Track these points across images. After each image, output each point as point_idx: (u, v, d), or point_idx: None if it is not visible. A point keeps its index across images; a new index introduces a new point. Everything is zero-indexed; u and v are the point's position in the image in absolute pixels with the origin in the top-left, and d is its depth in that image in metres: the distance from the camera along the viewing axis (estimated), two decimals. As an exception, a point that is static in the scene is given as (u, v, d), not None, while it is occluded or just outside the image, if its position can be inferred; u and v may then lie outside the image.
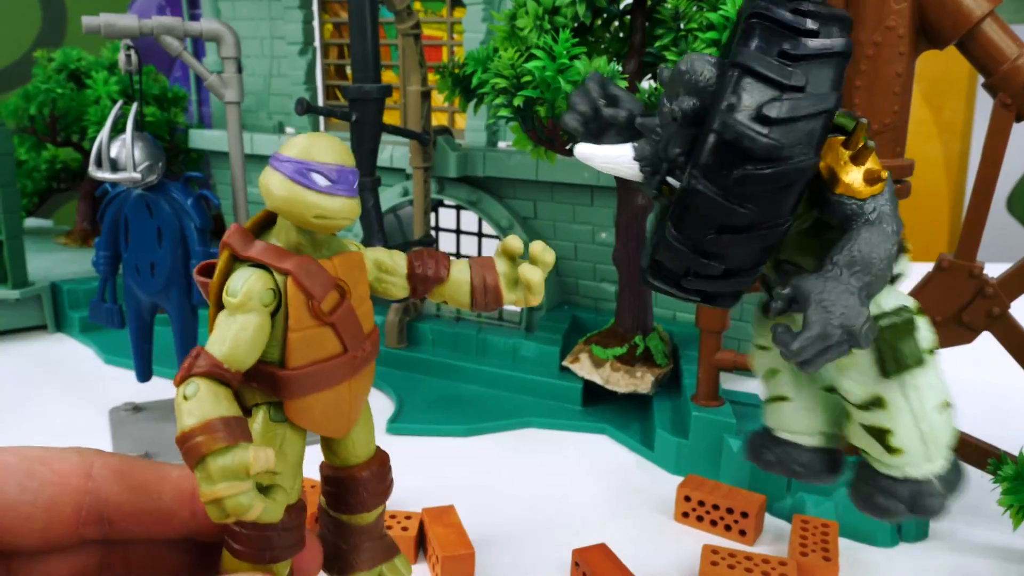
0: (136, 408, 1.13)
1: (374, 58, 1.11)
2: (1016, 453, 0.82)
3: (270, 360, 0.39)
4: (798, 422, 0.62)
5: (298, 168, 0.37)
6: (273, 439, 0.40)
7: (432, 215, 1.42)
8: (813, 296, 0.48)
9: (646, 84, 1.05)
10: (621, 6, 1.05)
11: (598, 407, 1.19)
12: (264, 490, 0.37)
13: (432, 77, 1.21)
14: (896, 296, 0.56)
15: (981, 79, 0.82)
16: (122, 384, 1.24)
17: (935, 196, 3.15)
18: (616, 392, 1.13)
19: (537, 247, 0.46)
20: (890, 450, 0.54)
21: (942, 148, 3.15)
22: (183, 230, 1.00)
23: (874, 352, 0.54)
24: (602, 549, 0.79)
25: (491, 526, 0.89)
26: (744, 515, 0.87)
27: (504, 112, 1.01)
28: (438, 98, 1.25)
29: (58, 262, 1.65)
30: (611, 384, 1.12)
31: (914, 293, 0.87)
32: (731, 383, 1.19)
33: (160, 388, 1.18)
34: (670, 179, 0.54)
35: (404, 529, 0.82)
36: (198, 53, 1.82)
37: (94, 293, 1.13)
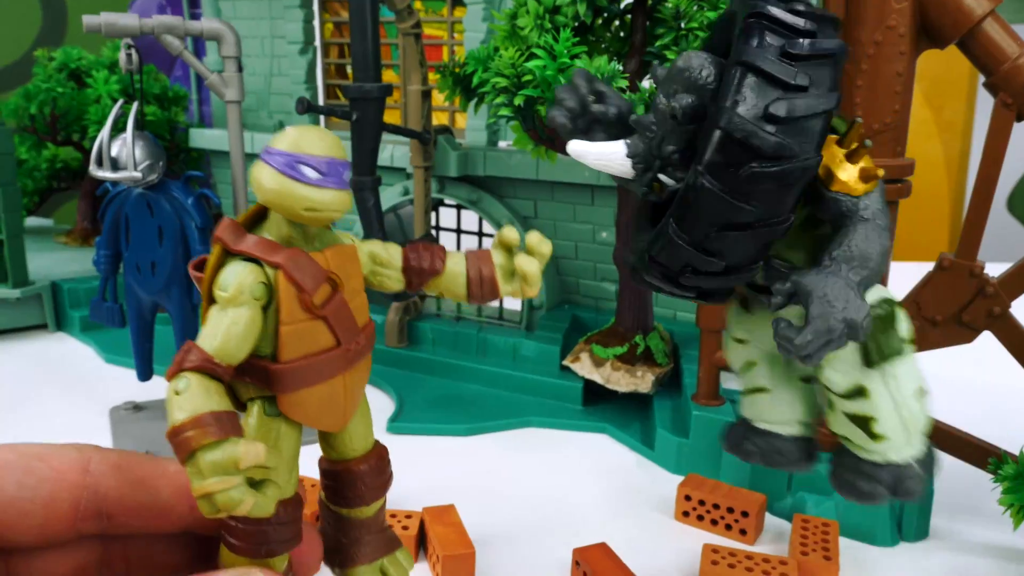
0: (137, 407, 1.13)
1: (375, 57, 1.11)
2: (1017, 452, 0.82)
3: (263, 354, 0.39)
4: (777, 412, 0.64)
5: (288, 161, 0.37)
6: (268, 433, 0.40)
7: (433, 214, 1.42)
8: (816, 292, 0.49)
9: (647, 83, 1.05)
10: (622, 5, 1.05)
11: (599, 406, 1.19)
12: (256, 485, 0.37)
13: (433, 76, 1.21)
14: (877, 289, 0.57)
15: (982, 78, 0.82)
16: (123, 383, 1.24)
17: (936, 195, 3.15)
18: (617, 391, 1.13)
19: (533, 238, 0.45)
20: (873, 437, 0.56)
21: (943, 147, 3.15)
22: (184, 229, 1.00)
23: (859, 343, 0.55)
24: (602, 548, 0.79)
25: (492, 525, 0.89)
26: (744, 514, 0.87)
27: (505, 111, 1.01)
28: (439, 97, 1.25)
29: (58, 261, 1.65)
30: (611, 383, 1.12)
31: (915, 292, 0.88)
32: (732, 382, 1.19)
33: (161, 387, 1.18)
34: (662, 176, 0.55)
35: (404, 528, 0.82)
36: (199, 52, 1.82)
37: (95, 292, 1.13)
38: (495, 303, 1.42)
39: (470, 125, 1.40)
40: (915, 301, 0.87)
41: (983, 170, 0.83)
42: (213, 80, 1.07)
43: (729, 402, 1.02)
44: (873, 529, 0.87)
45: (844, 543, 0.86)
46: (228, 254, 0.39)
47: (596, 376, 1.13)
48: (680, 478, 0.98)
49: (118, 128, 0.99)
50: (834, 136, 0.53)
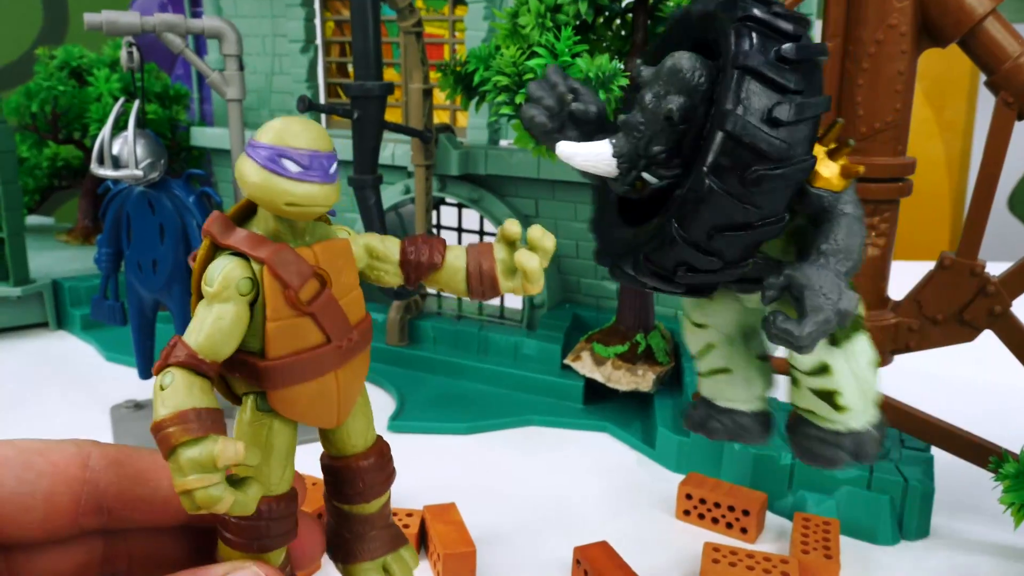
0: (137, 405, 1.13)
1: (376, 56, 1.11)
2: (1017, 451, 0.82)
3: (251, 350, 0.39)
4: (739, 391, 0.67)
5: (270, 155, 0.37)
6: (260, 429, 0.40)
7: (434, 213, 1.42)
8: (812, 285, 0.52)
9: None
10: (623, 4, 1.05)
11: (599, 405, 1.19)
12: (238, 483, 0.37)
13: (434, 75, 1.21)
14: None
15: (983, 77, 0.82)
16: (123, 381, 1.24)
17: (937, 195, 3.15)
18: (617, 390, 1.13)
19: (536, 232, 0.43)
20: (838, 408, 0.59)
21: (944, 147, 3.14)
22: (185, 227, 1.00)
23: None
24: (603, 547, 0.79)
25: (492, 524, 0.89)
26: (745, 513, 0.87)
27: (506, 110, 1.01)
28: (440, 96, 1.25)
29: (59, 259, 1.65)
30: (612, 382, 1.12)
31: (916, 291, 0.88)
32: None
33: (162, 385, 1.18)
34: (645, 175, 0.55)
35: (405, 527, 0.82)
36: (200, 50, 1.82)
37: (95, 290, 1.13)
38: (496, 301, 1.42)
39: (471, 124, 1.40)
40: (916, 300, 0.87)
41: (984, 169, 0.83)
42: (214, 78, 1.07)
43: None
44: (874, 528, 0.87)
45: (845, 542, 0.86)
46: (217, 248, 0.39)
47: (597, 375, 1.13)
48: (681, 477, 0.98)
49: (119, 126, 1.00)
50: None
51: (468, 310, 1.41)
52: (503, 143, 1.41)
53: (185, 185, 1.01)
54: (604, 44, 1.07)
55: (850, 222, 0.55)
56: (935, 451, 0.94)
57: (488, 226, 1.45)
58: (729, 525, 0.88)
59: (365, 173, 1.16)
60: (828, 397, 0.59)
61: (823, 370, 0.58)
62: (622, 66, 0.96)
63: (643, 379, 1.11)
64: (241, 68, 1.08)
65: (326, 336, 0.40)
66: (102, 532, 0.42)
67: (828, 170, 0.55)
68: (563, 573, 0.81)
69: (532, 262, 0.43)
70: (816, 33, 1.07)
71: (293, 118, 0.38)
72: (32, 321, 1.50)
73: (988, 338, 0.86)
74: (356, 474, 0.44)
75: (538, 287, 0.44)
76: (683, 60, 0.53)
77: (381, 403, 1.20)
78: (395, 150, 1.41)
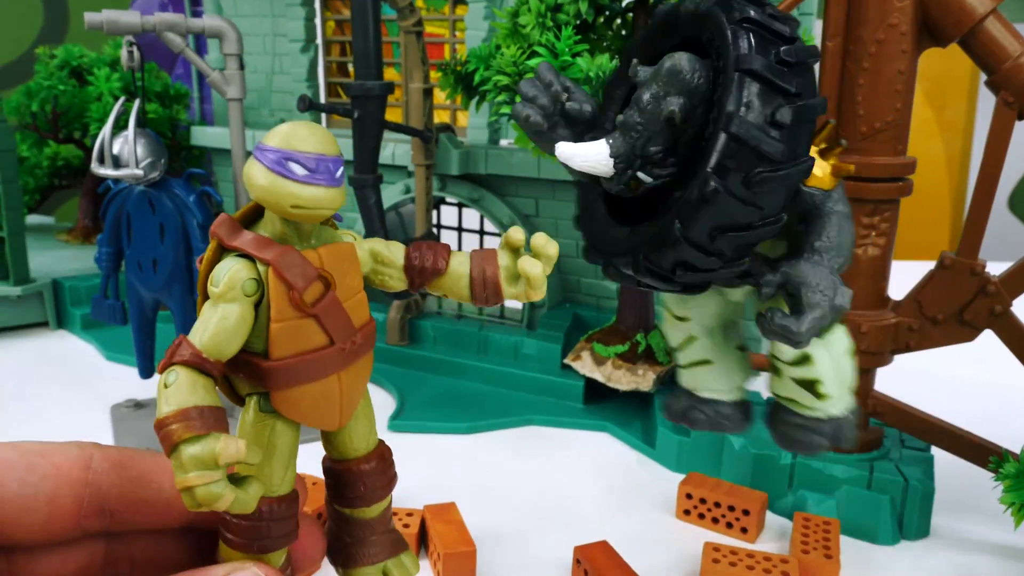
0: (138, 405, 1.13)
1: (376, 55, 1.11)
2: (1018, 451, 0.82)
3: (255, 350, 0.39)
4: (720, 381, 0.69)
5: (277, 158, 0.37)
6: (263, 429, 0.40)
7: (434, 212, 1.42)
8: (809, 282, 0.53)
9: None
10: (623, 3, 1.05)
11: (600, 405, 1.19)
12: (239, 481, 0.37)
13: (434, 74, 1.21)
14: None
15: (983, 77, 0.82)
16: (124, 381, 1.24)
17: (937, 195, 3.15)
18: (618, 390, 1.13)
19: (540, 239, 0.44)
20: (819, 396, 0.61)
21: (944, 147, 3.15)
22: (185, 226, 1.00)
23: None
24: (603, 546, 0.79)
25: (493, 523, 0.89)
26: (745, 512, 0.87)
27: (506, 109, 1.01)
28: (440, 95, 1.25)
29: (60, 259, 1.65)
30: (613, 382, 1.12)
31: (916, 291, 0.88)
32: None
33: (162, 385, 1.18)
34: (640, 174, 0.56)
35: (405, 526, 0.82)
36: (200, 50, 1.82)
37: (96, 290, 1.13)
38: (496, 301, 1.41)
39: (471, 123, 1.40)
40: (916, 300, 0.87)
41: (984, 169, 0.83)
42: (215, 78, 1.07)
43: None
44: (874, 527, 0.87)
45: (845, 541, 0.86)
46: (223, 250, 0.39)
47: (597, 374, 1.13)
48: (681, 476, 0.98)
49: (120, 126, 1.00)
50: None
51: (468, 310, 1.41)
52: (503, 143, 1.41)
53: (185, 184, 1.01)
54: (604, 44, 1.07)
55: (840, 220, 0.57)
56: (935, 451, 0.94)
57: (488, 226, 1.45)
58: (729, 525, 0.88)
59: (365, 172, 1.16)
60: (810, 386, 0.60)
61: (805, 360, 0.59)
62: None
63: (643, 379, 1.11)
64: (241, 67, 1.08)
65: (329, 338, 0.40)
66: (104, 534, 0.42)
67: (820, 169, 0.57)
68: (563, 573, 0.81)
69: (535, 269, 0.43)
70: (817, 33, 1.07)
71: (300, 123, 0.39)
72: (32, 320, 1.50)
73: (988, 338, 0.86)
74: (357, 477, 0.44)
75: (541, 293, 0.44)
76: (683, 61, 0.53)
77: (381, 402, 1.20)
78: (395, 150, 1.41)
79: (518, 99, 0.98)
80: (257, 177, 0.37)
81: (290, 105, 1.61)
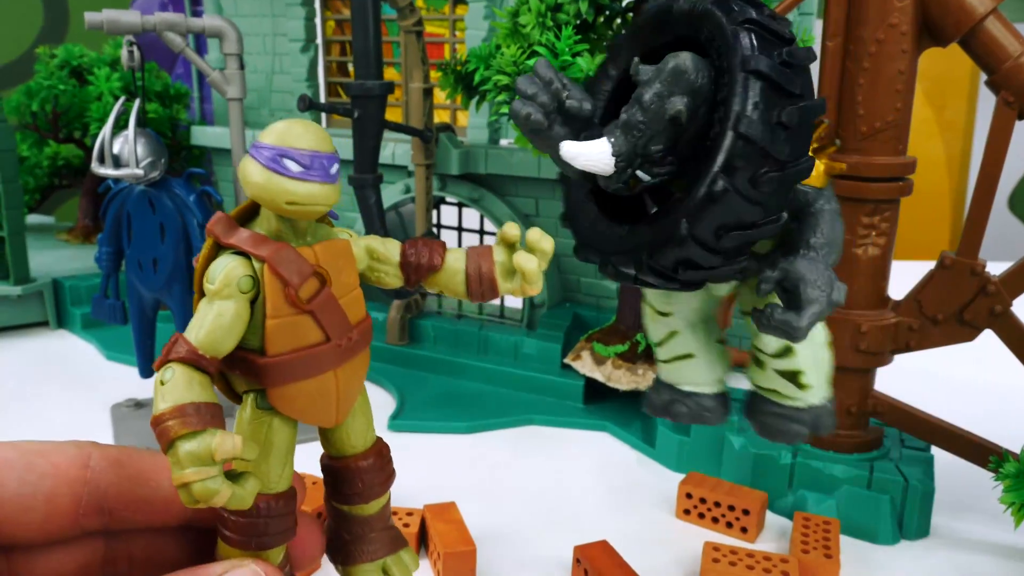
0: (138, 404, 1.13)
1: (376, 55, 1.11)
2: (1018, 451, 0.82)
3: (251, 347, 0.39)
4: (702, 375, 0.70)
5: (272, 155, 0.37)
6: (260, 426, 0.40)
7: (434, 212, 1.42)
8: (807, 278, 0.54)
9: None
10: (623, 3, 1.05)
11: (600, 404, 1.19)
12: (236, 477, 0.37)
13: (434, 74, 1.21)
14: None
15: (983, 77, 0.82)
16: (124, 380, 1.24)
17: (937, 194, 3.15)
18: (618, 389, 1.13)
19: (534, 234, 0.44)
20: (801, 387, 0.62)
21: (944, 147, 3.15)
22: (185, 226, 1.00)
23: None
24: (603, 546, 0.79)
25: (493, 523, 0.89)
26: (745, 512, 0.87)
27: (506, 109, 1.01)
28: (440, 95, 1.25)
29: (60, 258, 1.65)
30: (612, 381, 1.12)
31: (916, 291, 0.88)
32: (732, 380, 1.19)
33: (162, 384, 1.18)
34: (640, 173, 0.56)
35: (405, 526, 0.82)
36: (200, 49, 1.82)
37: (96, 289, 1.13)
38: (496, 300, 1.41)
39: (472, 123, 1.40)
40: (916, 299, 0.87)
41: (984, 169, 0.83)
42: (215, 77, 1.07)
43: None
44: (874, 527, 0.87)
45: (845, 541, 0.86)
46: (219, 247, 0.39)
47: (597, 374, 1.13)
48: (681, 476, 0.98)
49: (120, 125, 1.00)
50: None
51: (468, 309, 1.41)
52: (503, 142, 1.41)
53: (186, 184, 1.01)
54: (604, 43, 1.07)
55: (832, 216, 0.58)
56: (935, 451, 0.94)
57: (488, 225, 1.45)
58: (729, 524, 0.88)
59: (365, 172, 1.16)
60: (792, 377, 0.62)
61: (787, 351, 0.61)
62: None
63: (643, 378, 1.11)
64: (242, 67, 1.08)
65: (325, 334, 0.40)
66: (103, 533, 0.42)
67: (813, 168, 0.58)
68: (563, 572, 0.81)
69: (531, 264, 0.43)
70: (817, 33, 1.07)
71: (296, 120, 0.39)
72: (32, 320, 1.50)
73: (988, 338, 0.86)
74: (355, 474, 0.44)
75: (536, 289, 0.44)
76: (687, 61, 0.53)
77: (381, 402, 1.20)
78: (395, 149, 1.41)
79: (517, 98, 0.98)
80: (252, 174, 0.37)
81: (290, 105, 1.61)
